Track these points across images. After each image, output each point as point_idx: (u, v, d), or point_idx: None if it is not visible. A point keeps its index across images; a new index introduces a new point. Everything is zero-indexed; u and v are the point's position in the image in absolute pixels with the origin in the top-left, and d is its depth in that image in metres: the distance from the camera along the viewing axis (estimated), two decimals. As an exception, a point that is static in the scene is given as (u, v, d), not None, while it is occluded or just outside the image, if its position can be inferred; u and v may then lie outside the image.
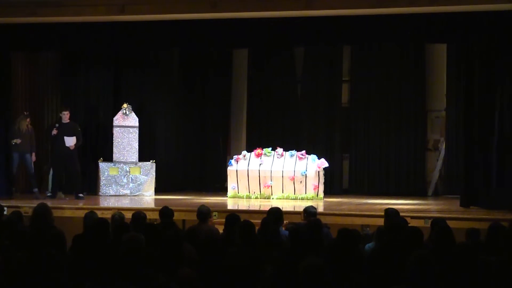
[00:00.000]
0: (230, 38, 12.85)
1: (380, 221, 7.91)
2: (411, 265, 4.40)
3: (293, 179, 12.81)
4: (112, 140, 13.68)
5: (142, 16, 11.83)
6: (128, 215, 7.85)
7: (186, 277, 4.32)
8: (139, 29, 12.50)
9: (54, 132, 12.67)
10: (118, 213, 7.79)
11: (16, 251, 5.35)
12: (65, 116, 12.84)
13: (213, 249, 5.46)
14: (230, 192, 13.21)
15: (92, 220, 7.04)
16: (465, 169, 11.65)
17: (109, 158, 13.62)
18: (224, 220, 7.24)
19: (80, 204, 11.56)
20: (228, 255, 4.91)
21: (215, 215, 9.76)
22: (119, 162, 13.50)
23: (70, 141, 12.65)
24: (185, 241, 6.30)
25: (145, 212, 7.88)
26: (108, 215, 8.67)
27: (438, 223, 6.82)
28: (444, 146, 14.48)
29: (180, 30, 12.46)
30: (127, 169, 13.44)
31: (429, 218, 9.23)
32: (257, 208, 11.42)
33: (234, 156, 13.52)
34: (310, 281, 4.24)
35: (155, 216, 9.18)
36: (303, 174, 12.77)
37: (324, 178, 13.01)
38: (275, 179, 12.91)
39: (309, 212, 8.46)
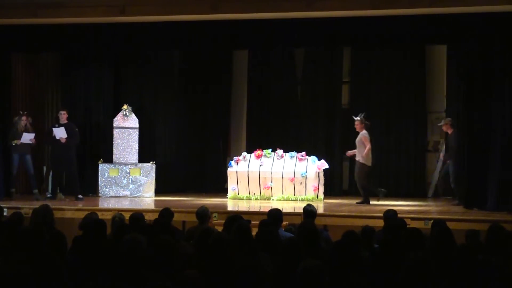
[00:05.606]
0: (231, 39, 12.88)
1: (380, 223, 7.91)
2: (408, 266, 4.41)
3: (293, 180, 12.80)
4: (112, 141, 13.65)
5: (142, 17, 11.84)
6: (128, 217, 7.84)
7: (190, 278, 4.32)
8: (139, 30, 12.52)
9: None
10: (118, 215, 7.77)
11: (17, 252, 5.34)
12: (62, 117, 12.77)
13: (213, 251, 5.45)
14: (230, 193, 13.20)
15: (89, 220, 7.03)
16: (466, 170, 11.64)
17: (109, 159, 13.60)
18: (224, 221, 7.24)
19: (80, 205, 11.55)
20: (227, 256, 4.91)
21: (215, 216, 9.77)
22: (119, 163, 13.49)
23: (60, 132, 12.54)
24: (184, 242, 6.31)
25: (145, 213, 7.87)
26: (108, 216, 8.67)
27: (439, 224, 6.82)
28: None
29: (181, 31, 12.49)
30: (127, 170, 13.43)
31: (429, 219, 9.24)
32: (257, 209, 11.40)
33: (234, 157, 13.51)
34: (309, 282, 4.24)
35: (155, 217, 9.16)
36: (303, 175, 12.76)
37: (324, 180, 13.00)
38: (275, 180, 12.90)
39: (308, 211, 7.93)
